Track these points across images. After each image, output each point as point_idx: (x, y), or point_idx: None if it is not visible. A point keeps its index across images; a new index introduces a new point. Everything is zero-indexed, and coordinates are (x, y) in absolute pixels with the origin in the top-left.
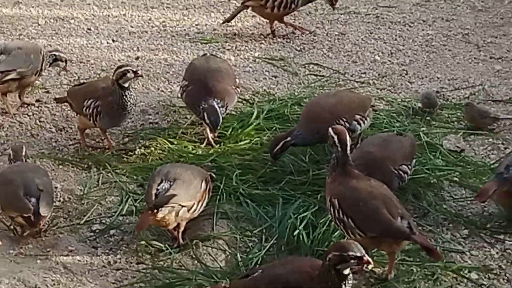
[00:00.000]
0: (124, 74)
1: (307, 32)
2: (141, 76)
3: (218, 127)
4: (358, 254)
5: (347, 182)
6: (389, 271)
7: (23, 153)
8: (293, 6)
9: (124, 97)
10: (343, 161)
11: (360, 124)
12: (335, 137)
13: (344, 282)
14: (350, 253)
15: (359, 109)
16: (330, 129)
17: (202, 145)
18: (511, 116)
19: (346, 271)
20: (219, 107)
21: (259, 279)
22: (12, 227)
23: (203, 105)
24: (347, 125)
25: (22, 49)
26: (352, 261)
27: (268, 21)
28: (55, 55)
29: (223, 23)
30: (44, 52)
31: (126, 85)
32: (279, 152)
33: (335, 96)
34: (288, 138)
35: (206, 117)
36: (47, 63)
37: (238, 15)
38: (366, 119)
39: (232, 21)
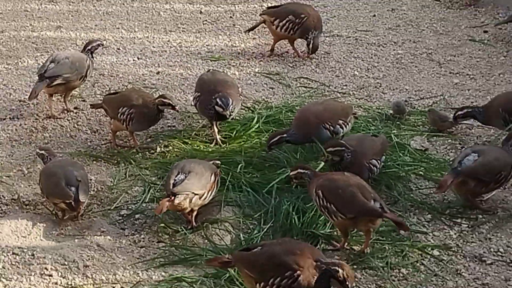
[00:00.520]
0: (165, 104)
1: (303, 57)
2: (177, 111)
3: (228, 110)
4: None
5: (326, 176)
6: (365, 247)
7: (53, 149)
8: (291, 32)
9: (158, 116)
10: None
11: (342, 128)
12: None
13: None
14: (348, 284)
15: (342, 115)
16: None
17: (212, 145)
18: (466, 121)
19: (335, 286)
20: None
21: (258, 254)
22: (54, 212)
23: (214, 97)
24: (332, 128)
25: (69, 58)
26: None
27: (274, 38)
28: (89, 49)
29: (246, 31)
30: (90, 60)
31: (163, 110)
32: (274, 143)
33: (322, 104)
34: (284, 135)
35: (218, 102)
36: (91, 69)
37: (255, 29)
38: (348, 123)
39: (237, 41)
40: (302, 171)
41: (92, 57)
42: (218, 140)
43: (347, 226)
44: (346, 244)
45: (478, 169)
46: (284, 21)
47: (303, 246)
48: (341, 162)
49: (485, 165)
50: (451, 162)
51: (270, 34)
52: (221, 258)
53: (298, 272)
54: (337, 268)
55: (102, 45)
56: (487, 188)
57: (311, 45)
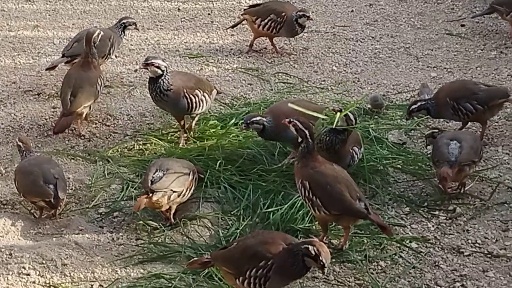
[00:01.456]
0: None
1: (281, 54)
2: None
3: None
4: (324, 262)
5: (315, 166)
6: (344, 242)
7: (31, 144)
8: (274, 31)
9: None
10: (311, 149)
11: None
12: (306, 131)
13: (306, 270)
14: (321, 259)
15: (311, 117)
16: (299, 123)
17: (181, 145)
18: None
19: (310, 265)
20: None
21: (233, 249)
22: (32, 211)
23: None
24: None
25: None
26: (320, 264)
27: (253, 35)
28: (124, 23)
29: (228, 28)
30: (114, 38)
31: None
32: (253, 123)
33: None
34: (264, 119)
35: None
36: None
37: (236, 27)
38: None
39: (215, 38)
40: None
41: (124, 33)
42: (183, 141)
43: (328, 221)
44: (325, 238)
45: (470, 154)
46: (266, 20)
47: (275, 235)
48: (333, 147)
49: (472, 148)
50: (428, 155)
51: (249, 30)
52: (201, 259)
53: (272, 260)
54: (307, 245)
55: (136, 25)
56: (473, 168)
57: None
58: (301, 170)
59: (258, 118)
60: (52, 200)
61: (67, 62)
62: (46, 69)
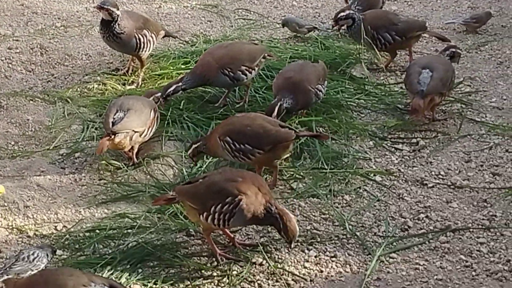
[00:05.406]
0: None
1: None
2: None
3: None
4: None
5: (225, 122)
6: (274, 182)
7: None
8: None
9: None
10: None
11: (245, 74)
12: None
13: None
14: (289, 235)
15: (246, 60)
16: None
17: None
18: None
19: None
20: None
21: (199, 185)
22: None
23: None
24: (232, 74)
25: None
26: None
27: None
28: None
29: None
30: None
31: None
32: (170, 94)
33: (226, 48)
34: (180, 84)
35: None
36: None
37: None
38: (253, 69)
39: None
40: (195, 145)
41: None
42: (140, 81)
43: (266, 160)
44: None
45: (438, 84)
46: None
47: (245, 174)
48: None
49: (442, 79)
50: (393, 89)
51: None
52: (166, 196)
53: (240, 197)
54: (279, 215)
55: None
56: (444, 97)
57: None
58: (211, 139)
59: (173, 87)
60: None
61: None
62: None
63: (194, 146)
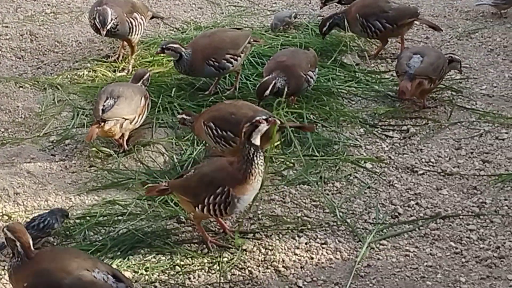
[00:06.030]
0: None
1: None
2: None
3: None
4: (264, 117)
5: (212, 107)
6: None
7: None
8: None
9: None
10: None
11: (231, 62)
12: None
13: (256, 155)
14: (258, 118)
15: (230, 48)
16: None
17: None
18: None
19: (257, 141)
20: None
21: (190, 177)
22: None
23: (96, 9)
24: (217, 64)
25: None
26: (262, 124)
27: None
28: None
29: None
30: None
31: None
32: (169, 48)
33: (208, 37)
34: (184, 49)
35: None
36: None
37: None
38: (239, 56)
39: None
40: (186, 117)
41: None
42: (130, 68)
43: None
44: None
45: (428, 68)
46: None
47: (231, 160)
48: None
49: (433, 64)
50: (384, 77)
51: None
52: (159, 186)
53: (227, 187)
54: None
55: None
56: (434, 84)
57: None
58: (198, 121)
59: (176, 45)
60: None
61: None
62: None
63: (186, 117)
